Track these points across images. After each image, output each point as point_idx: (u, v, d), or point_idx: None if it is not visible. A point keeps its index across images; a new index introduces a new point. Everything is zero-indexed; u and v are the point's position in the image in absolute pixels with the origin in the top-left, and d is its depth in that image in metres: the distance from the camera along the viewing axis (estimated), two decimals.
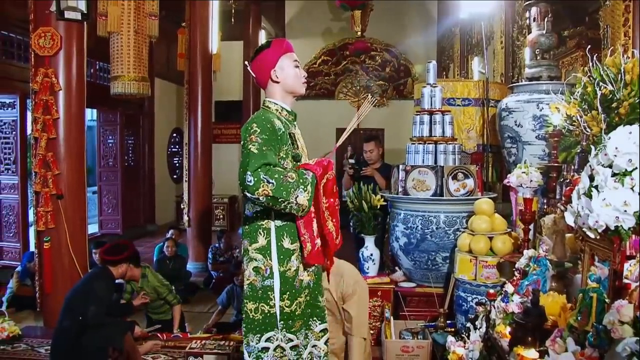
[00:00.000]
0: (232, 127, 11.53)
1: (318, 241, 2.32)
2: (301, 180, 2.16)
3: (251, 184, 2.07)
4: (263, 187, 2.06)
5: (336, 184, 2.41)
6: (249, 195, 2.10)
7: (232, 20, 9.25)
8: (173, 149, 11.56)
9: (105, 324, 3.63)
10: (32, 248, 5.46)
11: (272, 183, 2.07)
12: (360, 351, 3.09)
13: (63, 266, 4.47)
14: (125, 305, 4.38)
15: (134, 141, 10.02)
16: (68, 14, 4.33)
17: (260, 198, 2.09)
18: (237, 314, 4.94)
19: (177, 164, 11.46)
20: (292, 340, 2.32)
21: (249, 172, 2.07)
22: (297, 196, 2.13)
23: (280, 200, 2.10)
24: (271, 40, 2.47)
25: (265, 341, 2.31)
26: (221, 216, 10.52)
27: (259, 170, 2.08)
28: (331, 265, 2.52)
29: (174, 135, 11.48)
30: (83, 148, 4.62)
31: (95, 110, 9.48)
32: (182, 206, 7.31)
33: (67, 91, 4.45)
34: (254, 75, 2.44)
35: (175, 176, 11.50)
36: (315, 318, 2.41)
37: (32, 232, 5.16)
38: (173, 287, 4.64)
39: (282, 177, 2.10)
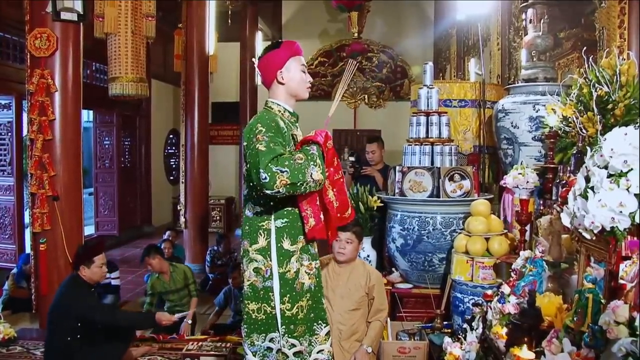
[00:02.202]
0: (228, 129, 11.51)
1: (321, 216, 2.30)
2: (309, 157, 2.15)
3: (267, 180, 2.05)
4: (279, 178, 2.05)
5: (337, 155, 2.40)
6: (268, 192, 2.08)
7: (229, 21, 9.25)
8: (170, 151, 11.54)
9: (101, 342, 3.51)
10: (28, 250, 5.45)
11: (286, 171, 2.06)
12: (376, 331, 3.28)
13: (59, 268, 4.46)
14: (147, 317, 3.98)
15: (131, 142, 10.00)
16: (64, 15, 4.32)
17: (281, 190, 2.07)
18: (235, 316, 4.93)
19: (174, 166, 11.44)
20: (294, 346, 2.30)
21: (261, 170, 2.06)
22: (312, 173, 2.12)
23: (298, 184, 2.09)
24: (282, 41, 2.47)
25: (269, 341, 2.31)
26: (218, 217, 10.51)
27: (270, 164, 2.07)
28: (333, 238, 2.52)
29: (171, 136, 11.47)
30: (79, 149, 4.61)
31: (91, 112, 9.46)
32: (178, 208, 7.31)
33: (63, 92, 4.44)
34: (260, 73, 2.44)
35: (171, 177, 11.48)
36: (320, 322, 2.39)
37: (27, 233, 5.15)
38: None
39: (292, 162, 2.09)
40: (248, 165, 2.18)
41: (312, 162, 2.14)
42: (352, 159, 5.39)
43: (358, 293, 3.29)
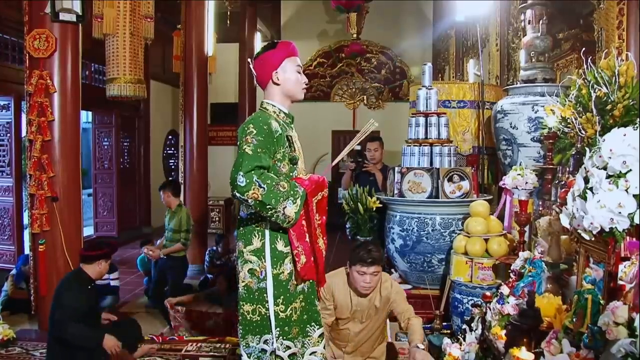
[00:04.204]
0: (227, 130, 11.51)
1: (311, 258, 2.31)
2: (292, 192, 2.16)
3: (242, 184, 2.06)
4: (254, 190, 2.06)
5: (326, 211, 2.39)
6: (238, 195, 2.09)
7: (228, 22, 9.24)
8: (168, 151, 11.53)
9: (70, 334, 3.41)
10: (27, 251, 5.44)
11: (264, 188, 2.07)
12: (419, 327, 3.02)
13: (58, 269, 4.44)
14: (96, 335, 3.55)
15: (130, 143, 9.99)
16: (63, 16, 4.31)
17: (249, 201, 2.08)
18: None
19: (173, 167, 11.42)
20: (289, 348, 2.30)
21: (241, 173, 2.07)
22: (285, 207, 2.12)
23: (268, 206, 2.09)
24: (277, 42, 2.46)
25: (264, 343, 2.30)
26: (217, 219, 10.49)
27: (252, 172, 2.07)
28: (323, 284, 2.48)
29: (170, 137, 11.45)
30: (78, 150, 4.60)
31: (90, 113, 9.45)
32: None
33: (62, 93, 4.43)
34: (255, 74, 2.43)
35: (170, 178, 11.46)
36: (313, 323, 2.40)
37: (27, 234, 5.14)
38: (189, 237, 5.42)
39: (274, 184, 2.10)
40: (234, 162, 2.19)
41: (291, 198, 2.14)
42: (356, 147, 5.31)
43: (382, 316, 3.16)
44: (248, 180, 2.06)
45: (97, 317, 3.77)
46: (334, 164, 2.56)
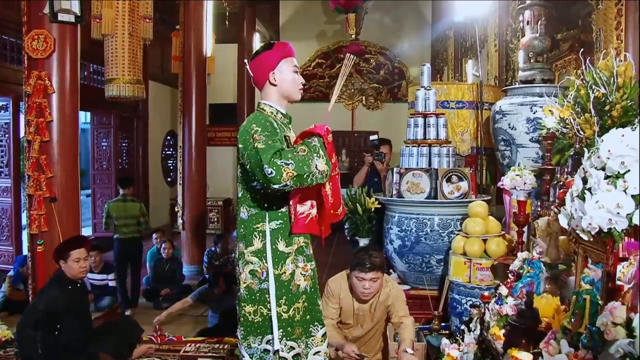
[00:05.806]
0: (226, 130, 11.50)
1: (313, 211, 2.31)
2: (312, 149, 2.15)
3: (273, 174, 2.04)
4: (285, 171, 2.04)
5: (335, 151, 2.39)
6: (276, 187, 2.06)
7: (227, 23, 9.25)
8: (167, 152, 11.52)
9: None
10: (25, 251, 5.43)
11: (291, 163, 2.05)
12: (410, 330, 3.04)
13: (56, 270, 4.43)
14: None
15: (128, 144, 9.98)
16: (61, 17, 4.31)
17: (288, 183, 2.06)
18: (219, 319, 4.84)
19: (171, 167, 11.42)
20: (293, 349, 2.30)
21: (265, 166, 2.04)
22: (316, 164, 2.12)
23: (304, 175, 2.08)
24: (274, 43, 2.46)
25: (266, 343, 2.30)
26: (215, 219, 10.49)
27: (273, 158, 2.05)
28: (326, 234, 2.46)
29: (168, 138, 11.45)
30: (76, 151, 4.59)
31: (88, 113, 9.45)
32: (176, 209, 7.29)
33: (60, 94, 4.43)
34: (252, 75, 2.42)
35: (169, 179, 11.46)
36: (316, 323, 2.39)
37: (25, 235, 5.13)
38: (106, 221, 5.79)
39: (295, 154, 2.09)
40: (248, 166, 2.16)
41: (315, 154, 2.14)
42: (373, 137, 5.24)
43: (383, 317, 3.21)
44: (275, 167, 2.04)
45: (86, 317, 3.78)
46: (329, 109, 2.52)
